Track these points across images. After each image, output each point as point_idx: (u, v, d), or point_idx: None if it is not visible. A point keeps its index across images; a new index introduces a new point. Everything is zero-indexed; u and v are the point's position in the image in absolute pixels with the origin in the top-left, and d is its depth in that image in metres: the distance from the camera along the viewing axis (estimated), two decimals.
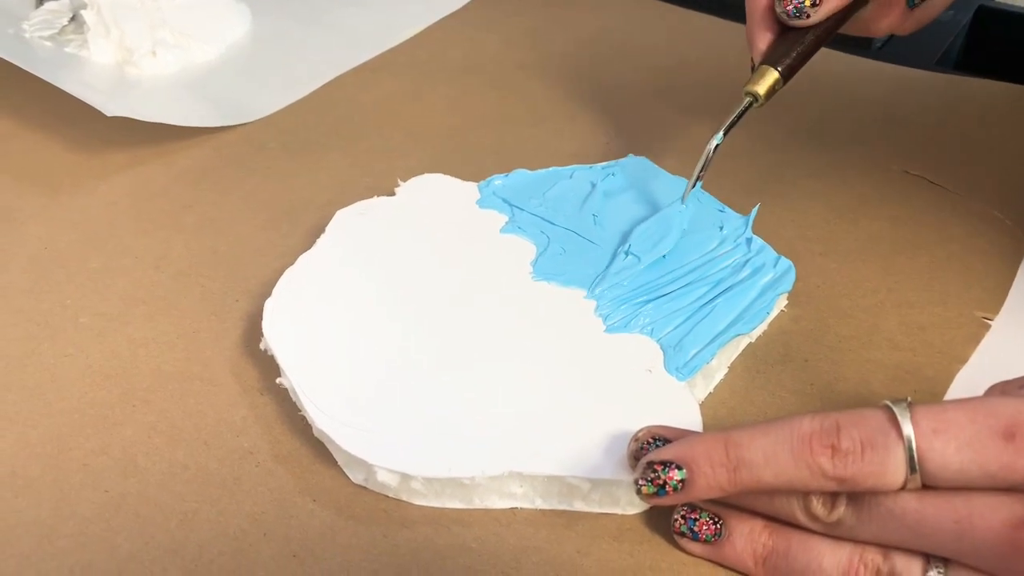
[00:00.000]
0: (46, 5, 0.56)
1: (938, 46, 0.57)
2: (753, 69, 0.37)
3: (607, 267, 0.37)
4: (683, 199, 0.38)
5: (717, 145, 0.37)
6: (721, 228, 0.38)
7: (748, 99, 0.36)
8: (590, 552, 0.29)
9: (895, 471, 0.25)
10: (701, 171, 0.37)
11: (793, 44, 0.36)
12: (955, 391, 0.34)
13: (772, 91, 0.36)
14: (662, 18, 0.59)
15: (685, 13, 0.59)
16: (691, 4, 0.59)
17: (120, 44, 0.53)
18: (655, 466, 0.27)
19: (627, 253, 0.37)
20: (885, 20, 0.39)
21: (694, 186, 0.38)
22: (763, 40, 0.37)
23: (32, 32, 0.54)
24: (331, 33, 0.57)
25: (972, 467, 0.24)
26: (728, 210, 0.39)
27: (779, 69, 0.36)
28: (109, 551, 0.29)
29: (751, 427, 0.27)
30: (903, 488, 0.25)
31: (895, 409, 0.25)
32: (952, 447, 0.24)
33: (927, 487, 0.25)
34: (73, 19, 0.55)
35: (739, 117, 0.37)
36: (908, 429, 0.25)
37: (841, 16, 0.37)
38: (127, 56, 0.53)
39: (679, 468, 0.27)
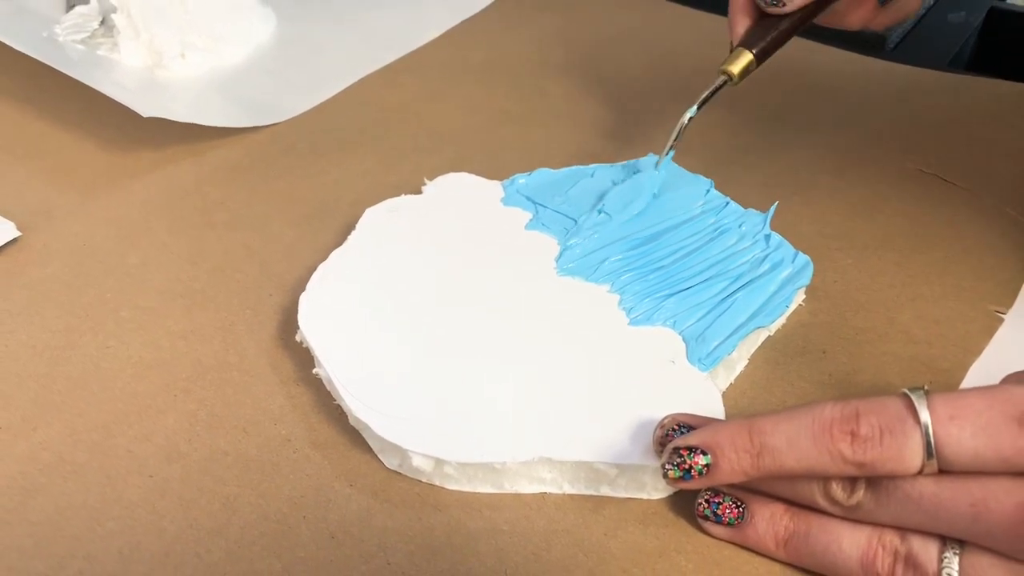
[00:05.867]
0: (76, 9, 0.57)
1: (951, 47, 0.58)
2: (731, 51, 0.40)
3: (582, 220, 0.40)
4: (657, 166, 0.41)
5: (691, 118, 0.40)
6: (740, 225, 0.39)
7: (722, 78, 0.40)
8: (617, 535, 0.30)
9: (912, 456, 0.26)
10: (674, 141, 0.41)
11: (768, 30, 0.39)
12: (969, 382, 0.35)
13: (746, 72, 0.40)
14: (683, 21, 0.60)
15: (706, 16, 0.60)
16: (712, 7, 0.60)
17: (150, 47, 0.54)
18: (681, 451, 0.28)
19: (600, 211, 0.40)
20: (857, 14, 0.41)
21: (666, 155, 0.41)
22: (742, 25, 0.40)
23: (65, 35, 0.55)
24: (355, 35, 0.59)
25: (987, 452, 0.25)
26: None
27: (753, 52, 0.39)
28: (156, 533, 0.31)
29: (774, 414, 0.28)
30: (920, 473, 0.26)
31: (912, 396, 0.26)
32: (968, 432, 0.25)
33: (943, 472, 0.26)
34: (103, 23, 0.57)
35: (712, 94, 0.40)
36: (925, 416, 0.26)
37: (815, 7, 0.39)
38: (157, 59, 0.54)
39: (704, 453, 0.28)
